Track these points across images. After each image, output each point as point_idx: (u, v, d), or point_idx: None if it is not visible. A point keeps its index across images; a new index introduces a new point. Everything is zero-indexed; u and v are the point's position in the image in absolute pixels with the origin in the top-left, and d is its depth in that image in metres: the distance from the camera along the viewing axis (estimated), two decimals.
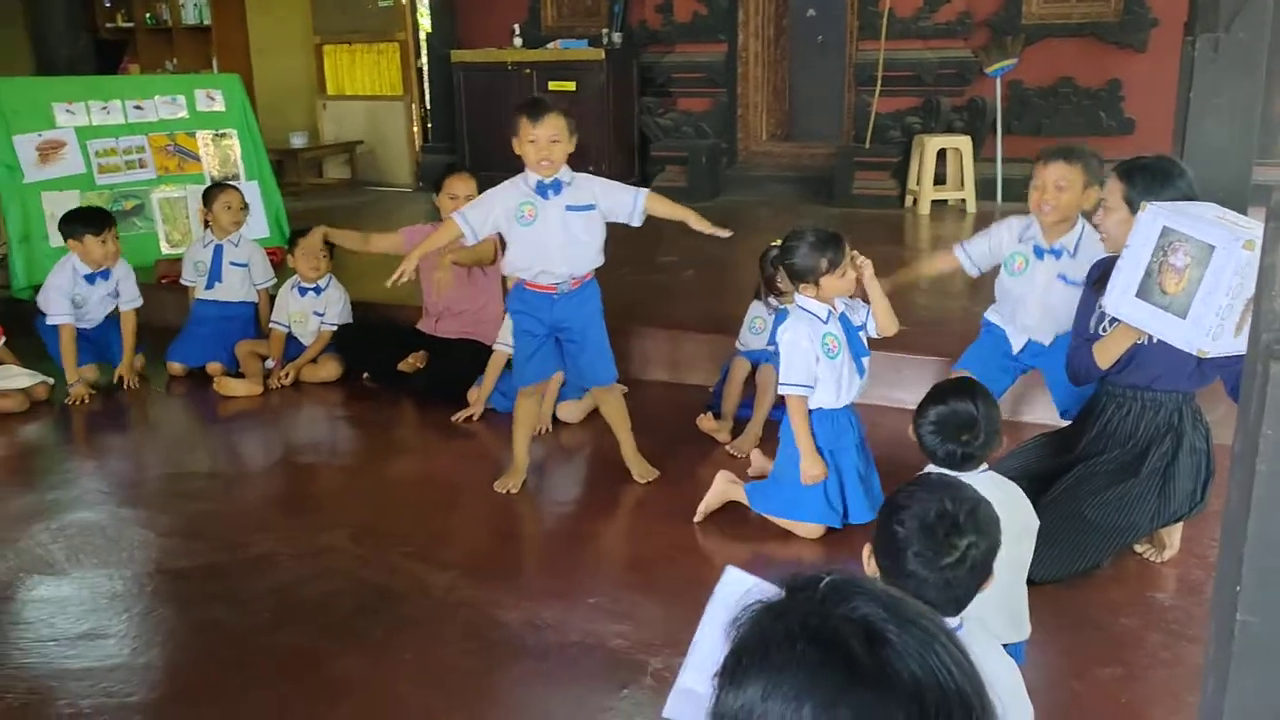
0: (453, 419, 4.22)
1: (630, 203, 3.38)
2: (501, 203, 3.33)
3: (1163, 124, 6.70)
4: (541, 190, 3.30)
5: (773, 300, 3.91)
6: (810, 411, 3.15)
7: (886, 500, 1.76)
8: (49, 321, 4.81)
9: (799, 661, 0.81)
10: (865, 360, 3.19)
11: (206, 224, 5.15)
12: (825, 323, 3.12)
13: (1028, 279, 3.36)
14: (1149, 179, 2.78)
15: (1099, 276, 2.85)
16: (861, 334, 3.22)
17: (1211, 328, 2.38)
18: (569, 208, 3.32)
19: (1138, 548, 3.00)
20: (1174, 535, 2.98)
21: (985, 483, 2.20)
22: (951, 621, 1.61)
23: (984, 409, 2.31)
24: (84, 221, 4.81)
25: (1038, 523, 2.37)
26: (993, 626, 2.02)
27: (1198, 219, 2.46)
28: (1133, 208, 2.74)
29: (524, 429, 3.57)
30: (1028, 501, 2.37)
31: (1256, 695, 0.79)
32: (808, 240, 3.08)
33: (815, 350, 3.09)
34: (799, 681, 0.80)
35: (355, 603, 2.88)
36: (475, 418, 4.24)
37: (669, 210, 3.43)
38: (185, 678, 2.57)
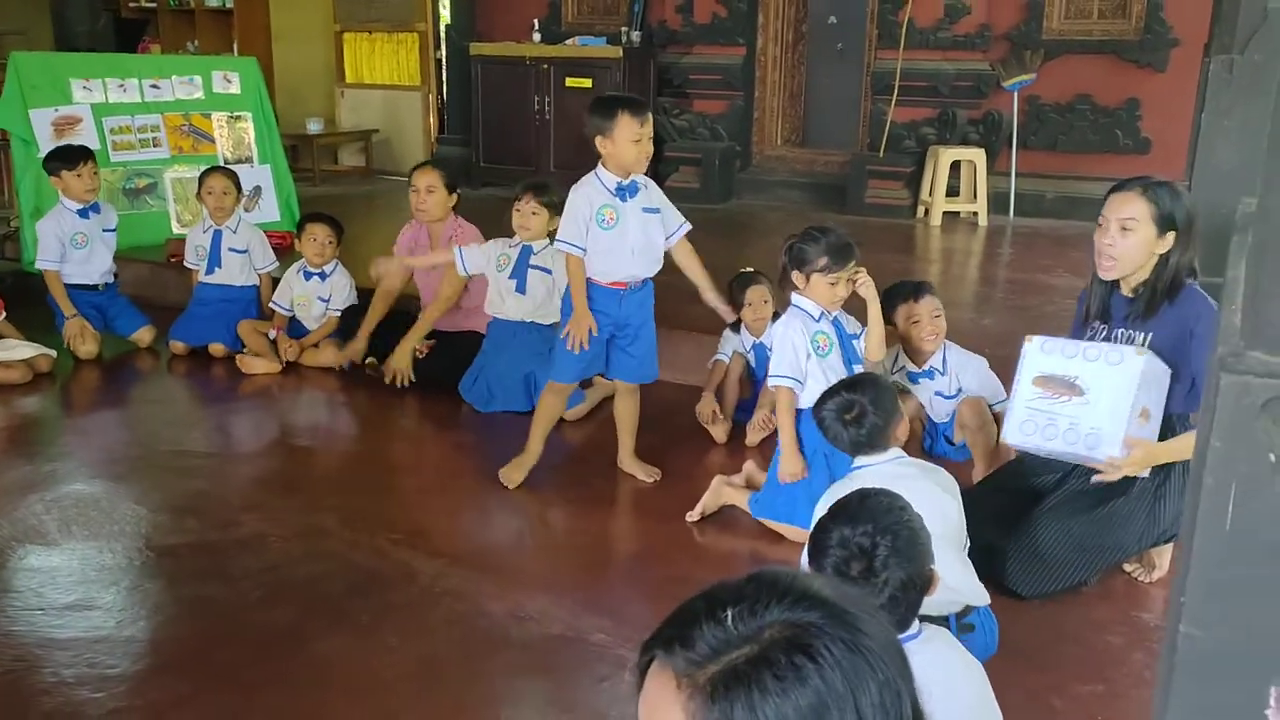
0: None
1: (673, 226, 3.44)
2: (584, 208, 3.31)
3: (1178, 145, 6.70)
4: (620, 193, 3.32)
5: (744, 330, 4.01)
6: (801, 410, 3.15)
7: (811, 535, 1.79)
8: (37, 264, 4.94)
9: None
10: (857, 368, 3.19)
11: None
12: (817, 321, 3.16)
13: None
14: (1174, 188, 2.73)
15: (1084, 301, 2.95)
16: (856, 343, 3.24)
17: (1008, 417, 2.74)
18: (644, 209, 3.37)
19: (1127, 567, 2.99)
20: (1163, 556, 2.96)
21: (895, 468, 2.51)
22: (911, 629, 1.61)
23: (871, 395, 2.58)
24: (61, 157, 4.94)
25: (957, 492, 2.52)
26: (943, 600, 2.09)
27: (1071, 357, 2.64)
28: (1161, 227, 2.68)
29: (546, 423, 3.55)
30: (945, 474, 2.57)
31: (1198, 710, 0.79)
32: (827, 237, 3.13)
33: (805, 346, 3.13)
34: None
35: (343, 585, 2.89)
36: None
37: (690, 263, 3.50)
38: (170, 651, 2.59)
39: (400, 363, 4.51)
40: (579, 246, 3.30)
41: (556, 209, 3.91)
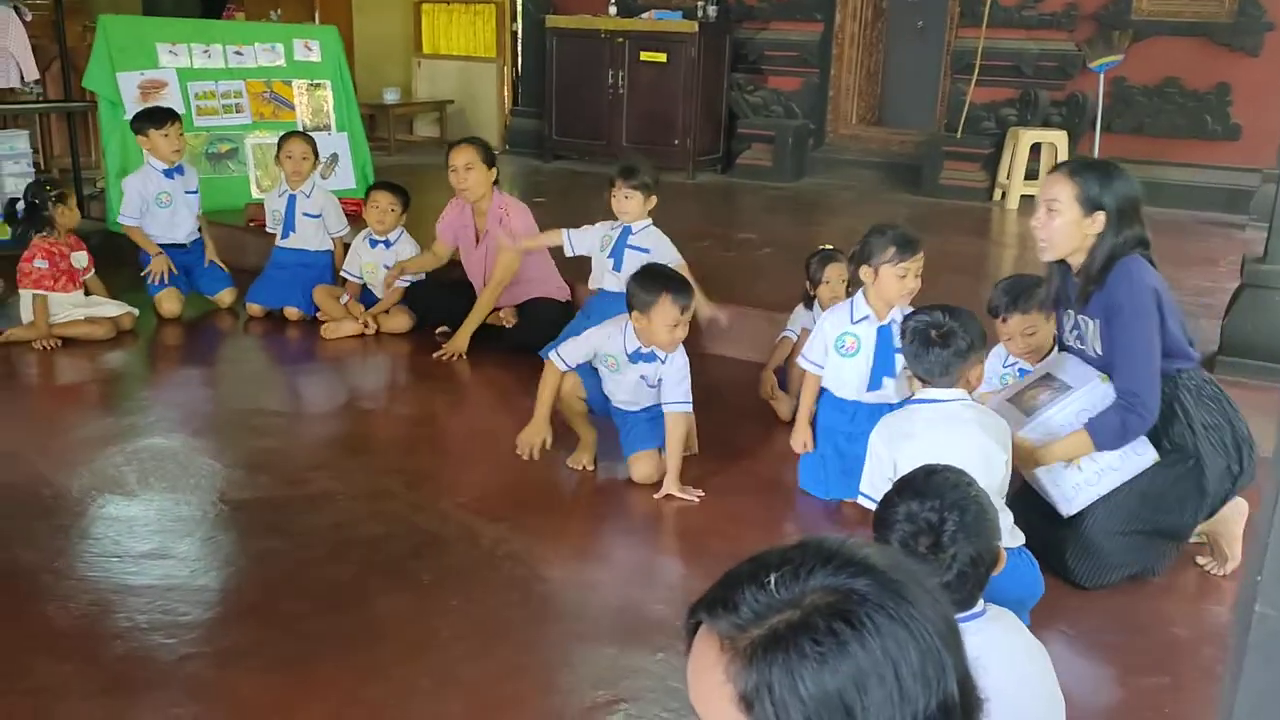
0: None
1: (670, 397, 3.29)
2: (601, 349, 3.32)
3: (1270, 132, 6.47)
4: (635, 358, 3.30)
5: (816, 307, 3.92)
6: (823, 391, 3.32)
7: (876, 510, 1.78)
8: (119, 220, 5.14)
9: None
10: (886, 380, 3.22)
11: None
12: (853, 323, 3.24)
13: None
14: (1103, 172, 2.68)
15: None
16: (899, 357, 3.21)
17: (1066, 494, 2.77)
18: (642, 376, 3.35)
19: (1200, 560, 2.92)
20: (1235, 547, 2.88)
21: (955, 408, 2.51)
22: (975, 608, 1.59)
23: (964, 322, 2.55)
24: (148, 117, 5.11)
25: (1009, 444, 2.53)
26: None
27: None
28: (1087, 208, 2.65)
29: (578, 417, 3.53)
30: (1002, 424, 2.57)
31: (1270, 690, 0.77)
32: (893, 229, 3.21)
33: (829, 342, 3.27)
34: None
35: (406, 546, 2.94)
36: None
37: (674, 437, 3.26)
38: (238, 601, 2.66)
39: (459, 345, 4.54)
40: (569, 366, 3.31)
41: (649, 188, 4.17)
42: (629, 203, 4.17)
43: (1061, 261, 2.80)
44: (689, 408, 3.31)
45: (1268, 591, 0.75)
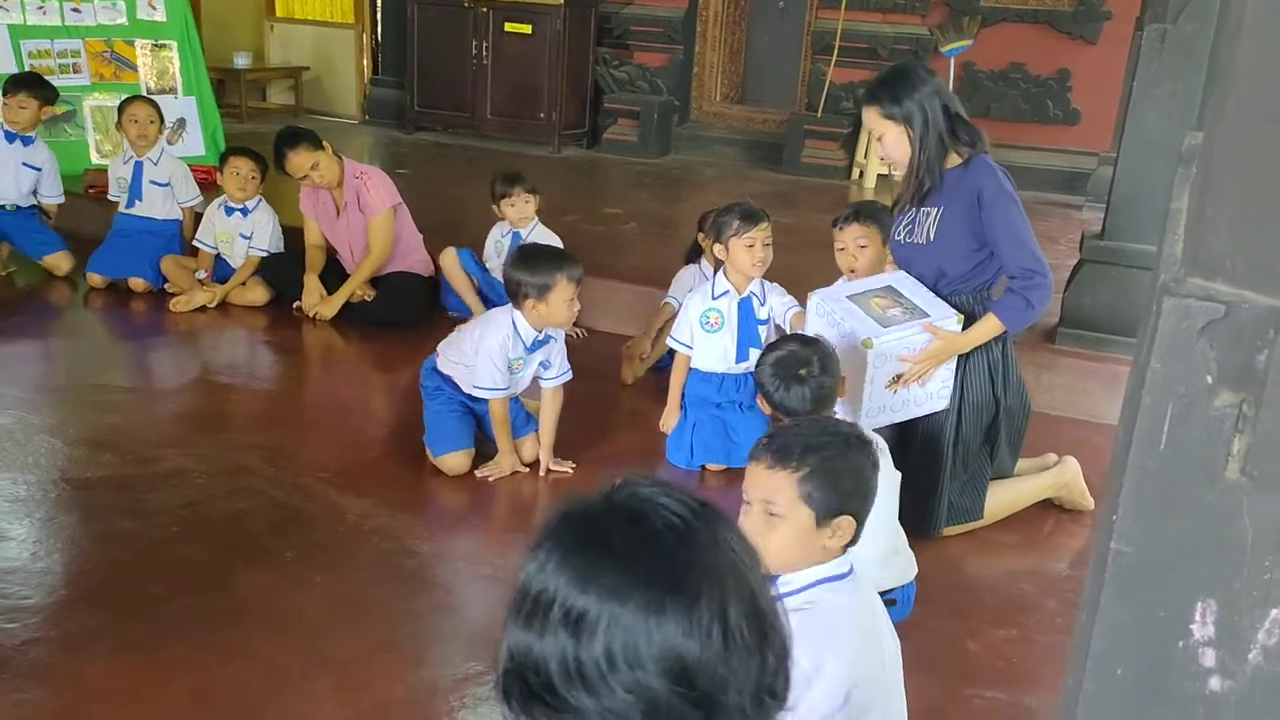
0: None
1: (555, 371, 3.30)
2: (501, 357, 3.16)
3: (1107, 117, 6.83)
4: (533, 346, 3.21)
5: (703, 262, 3.97)
6: (693, 369, 3.42)
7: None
8: None
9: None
10: (751, 350, 3.30)
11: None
12: (714, 299, 3.38)
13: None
14: (894, 87, 2.85)
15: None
16: (762, 329, 3.39)
17: (869, 410, 2.76)
18: (541, 363, 3.30)
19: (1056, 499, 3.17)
20: (1086, 496, 3.16)
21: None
22: (842, 567, 1.64)
23: (821, 354, 2.52)
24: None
25: (889, 461, 2.52)
26: (876, 574, 2.16)
27: (851, 311, 2.80)
28: (894, 120, 2.83)
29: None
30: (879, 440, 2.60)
31: (1124, 625, 0.81)
32: (738, 206, 3.43)
33: (697, 319, 3.39)
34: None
35: (266, 523, 2.85)
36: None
37: (549, 409, 3.28)
38: (85, 584, 2.53)
39: (327, 312, 4.47)
40: (502, 389, 3.17)
41: (537, 189, 4.46)
42: (528, 207, 4.41)
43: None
44: (570, 375, 3.30)
45: (1123, 529, 0.79)
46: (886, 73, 3.00)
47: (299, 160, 4.39)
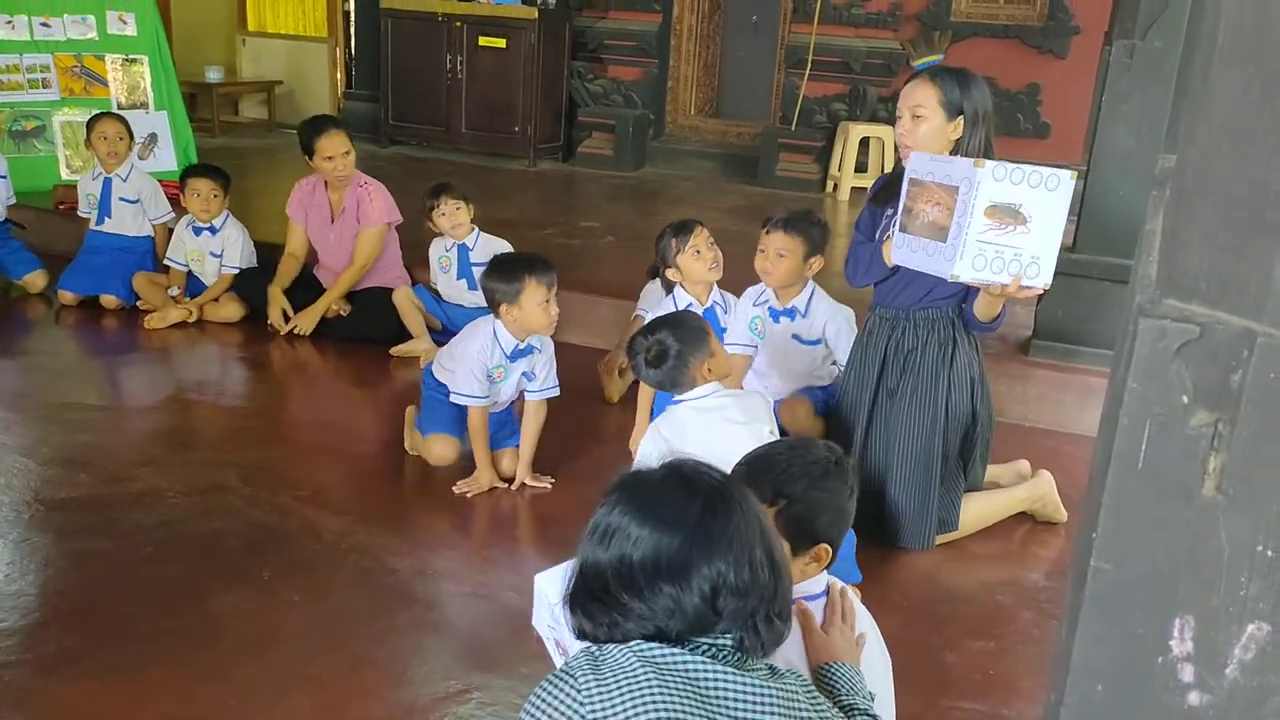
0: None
1: (543, 384, 3.28)
2: (479, 365, 3.17)
3: (1076, 131, 6.93)
4: (515, 355, 3.20)
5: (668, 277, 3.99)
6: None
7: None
8: None
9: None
10: None
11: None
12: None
13: (766, 341, 3.43)
14: (965, 80, 2.80)
15: (881, 187, 2.98)
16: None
17: (960, 253, 2.46)
18: (524, 373, 3.28)
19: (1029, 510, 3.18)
20: (1059, 508, 3.18)
21: (711, 401, 2.60)
22: (818, 585, 1.67)
23: (675, 334, 2.60)
24: None
25: (770, 415, 2.64)
26: None
27: (946, 163, 2.55)
28: (949, 111, 2.75)
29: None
30: (760, 398, 2.72)
31: (1104, 641, 0.83)
32: (666, 228, 3.57)
33: None
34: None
35: (242, 542, 2.83)
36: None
37: (532, 422, 3.26)
38: (60, 606, 2.50)
39: (306, 326, 4.46)
40: (481, 397, 3.16)
41: (468, 197, 4.43)
42: (460, 214, 4.35)
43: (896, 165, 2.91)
44: (556, 390, 3.29)
45: (1102, 547, 0.80)
46: (954, 66, 2.88)
47: (338, 140, 4.38)
